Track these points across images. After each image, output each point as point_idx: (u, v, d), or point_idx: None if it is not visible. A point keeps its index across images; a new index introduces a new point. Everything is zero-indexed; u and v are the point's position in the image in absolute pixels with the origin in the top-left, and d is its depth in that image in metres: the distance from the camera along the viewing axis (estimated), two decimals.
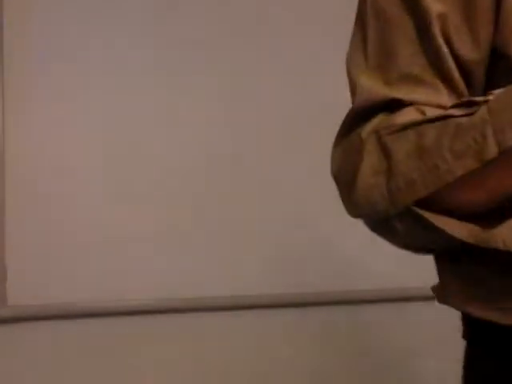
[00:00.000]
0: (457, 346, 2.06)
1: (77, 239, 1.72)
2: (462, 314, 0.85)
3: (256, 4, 1.85)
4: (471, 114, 0.69)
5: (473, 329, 0.84)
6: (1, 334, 1.70)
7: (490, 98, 0.69)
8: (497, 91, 0.69)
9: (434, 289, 0.90)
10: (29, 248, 1.69)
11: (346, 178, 0.77)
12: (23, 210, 1.70)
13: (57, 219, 1.71)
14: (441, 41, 0.74)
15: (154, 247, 1.75)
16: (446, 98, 0.75)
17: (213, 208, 1.80)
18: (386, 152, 0.73)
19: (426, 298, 1.90)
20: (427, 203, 0.72)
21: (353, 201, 0.77)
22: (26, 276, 1.69)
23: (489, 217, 0.71)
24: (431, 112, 0.72)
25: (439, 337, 1.92)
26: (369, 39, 0.80)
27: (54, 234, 1.71)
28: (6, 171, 1.69)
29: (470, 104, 0.70)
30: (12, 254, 1.68)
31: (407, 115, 0.73)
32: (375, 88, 0.77)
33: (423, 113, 0.73)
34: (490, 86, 0.75)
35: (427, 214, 0.72)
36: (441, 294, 0.88)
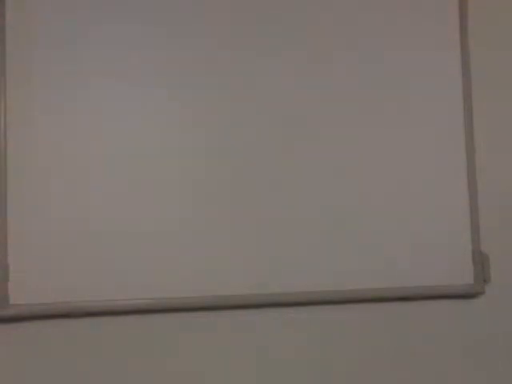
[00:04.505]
0: (457, 346, 2.07)
1: (78, 239, 1.72)
2: None
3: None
4: None
5: None
6: (3, 332, 1.70)
7: None
8: None
9: None
10: (31, 248, 1.70)
11: None
12: (25, 210, 1.70)
13: (58, 219, 1.71)
14: None
15: (154, 247, 1.76)
16: None
17: (213, 208, 1.80)
18: None
19: (425, 298, 1.91)
20: None
21: None
22: (27, 275, 1.69)
23: None
24: None
25: (439, 336, 1.93)
26: None
27: (55, 233, 1.71)
28: (8, 171, 1.70)
29: None
30: (14, 254, 1.68)
31: None
32: None
33: None
34: None
35: None
36: None
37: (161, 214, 1.77)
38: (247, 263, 1.80)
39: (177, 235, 1.77)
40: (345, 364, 1.88)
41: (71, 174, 1.73)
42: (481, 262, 1.93)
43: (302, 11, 1.87)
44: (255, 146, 1.83)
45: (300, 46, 1.86)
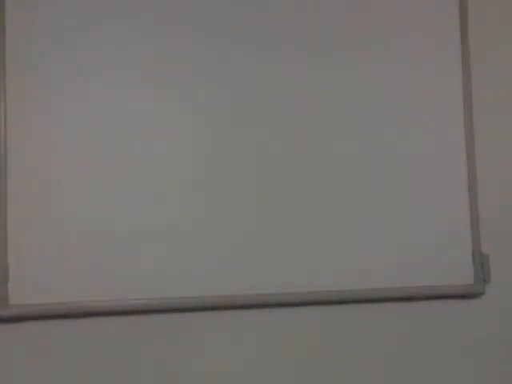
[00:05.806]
0: (457, 346, 2.07)
1: (78, 239, 1.72)
2: None
3: None
4: None
5: None
6: (3, 332, 1.70)
7: None
8: None
9: None
10: (31, 248, 1.70)
11: None
12: (25, 210, 1.70)
13: (58, 219, 1.71)
14: None
15: (154, 247, 1.76)
16: None
17: (214, 208, 1.80)
18: None
19: (425, 298, 1.91)
20: None
21: None
22: (27, 276, 1.69)
23: None
24: None
25: (439, 336, 1.93)
26: None
27: (55, 234, 1.71)
28: (8, 171, 1.70)
29: None
30: (14, 254, 1.69)
31: None
32: None
33: None
34: None
35: None
36: None
37: (160, 214, 1.77)
38: (247, 263, 1.80)
39: (177, 235, 1.77)
40: (345, 364, 1.88)
41: (71, 174, 1.73)
42: (481, 262, 1.93)
43: (303, 11, 1.87)
44: (255, 145, 1.83)
45: (300, 46, 1.86)
